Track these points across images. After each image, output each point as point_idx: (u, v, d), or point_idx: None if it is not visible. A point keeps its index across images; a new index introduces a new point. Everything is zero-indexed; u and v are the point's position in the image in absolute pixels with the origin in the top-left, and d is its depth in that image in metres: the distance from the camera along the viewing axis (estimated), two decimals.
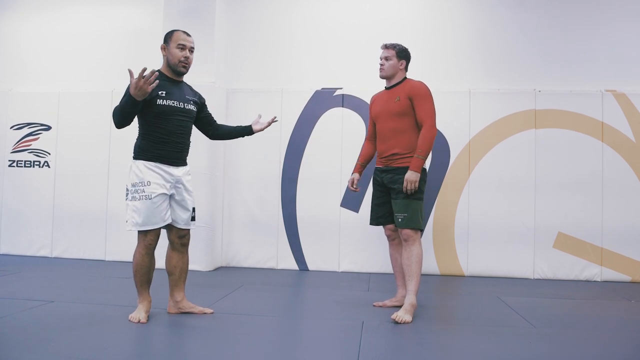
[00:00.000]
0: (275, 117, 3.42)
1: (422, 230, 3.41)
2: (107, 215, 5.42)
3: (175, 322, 3.04)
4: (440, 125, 5.06)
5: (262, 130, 3.40)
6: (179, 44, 3.06)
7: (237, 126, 3.45)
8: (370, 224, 3.64)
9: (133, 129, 5.28)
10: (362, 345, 2.64)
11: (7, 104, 5.72)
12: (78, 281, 4.30)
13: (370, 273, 5.05)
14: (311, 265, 5.16)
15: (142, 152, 3.03)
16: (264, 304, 3.62)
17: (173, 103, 3.04)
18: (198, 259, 4.92)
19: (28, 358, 2.34)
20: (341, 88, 5.29)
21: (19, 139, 5.67)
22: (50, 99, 5.62)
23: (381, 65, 3.47)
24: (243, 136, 3.44)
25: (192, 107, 3.16)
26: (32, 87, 5.77)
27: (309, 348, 2.59)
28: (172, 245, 3.18)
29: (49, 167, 5.59)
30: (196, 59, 5.04)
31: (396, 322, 3.08)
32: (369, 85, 5.32)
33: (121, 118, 2.91)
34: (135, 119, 3.05)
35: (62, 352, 2.42)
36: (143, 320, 2.95)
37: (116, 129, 3.03)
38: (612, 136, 5.00)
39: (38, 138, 5.64)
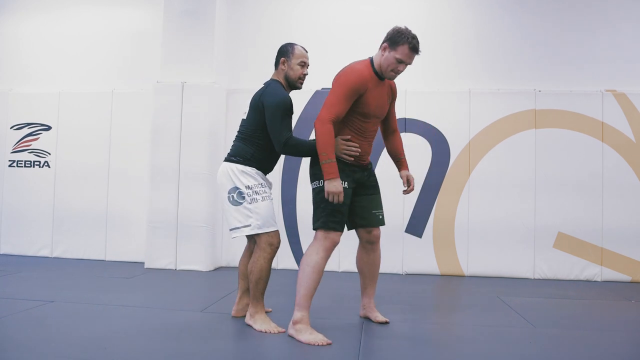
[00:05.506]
0: None
1: None
2: (107, 215, 5.42)
3: (175, 322, 3.04)
4: (440, 125, 5.11)
5: None
6: (302, 61, 3.02)
7: None
8: (349, 229, 3.05)
9: (131, 132, 5.27)
10: (362, 346, 2.64)
11: (8, 104, 5.72)
12: (78, 281, 4.30)
13: None
14: None
15: (255, 160, 2.94)
16: (264, 304, 3.62)
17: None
18: (199, 259, 4.93)
19: (28, 358, 2.34)
20: None
21: (19, 139, 5.68)
22: (51, 99, 5.62)
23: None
24: None
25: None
26: (33, 88, 5.77)
27: (309, 348, 2.58)
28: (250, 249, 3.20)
29: (49, 167, 5.59)
30: (196, 59, 5.12)
31: (386, 322, 3.09)
32: None
33: (300, 154, 2.92)
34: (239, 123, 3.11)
35: (63, 353, 2.42)
36: (281, 329, 2.83)
37: (279, 148, 2.87)
38: (612, 136, 5.00)
39: (38, 138, 5.64)
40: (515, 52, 5.28)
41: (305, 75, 3.07)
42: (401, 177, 3.13)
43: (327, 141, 2.65)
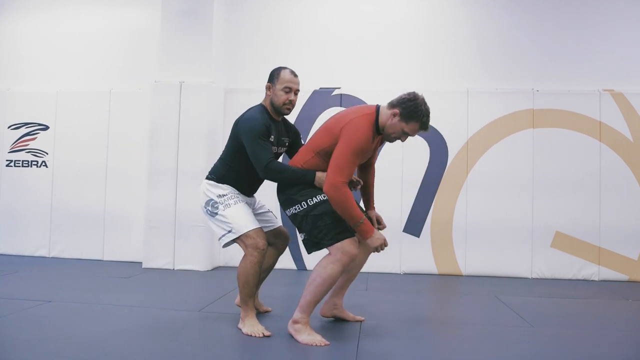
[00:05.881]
0: None
1: None
2: (105, 214, 5.41)
3: (172, 322, 3.03)
4: (439, 124, 5.11)
5: None
6: (286, 87, 2.93)
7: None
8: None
9: (129, 131, 5.25)
10: (360, 346, 2.65)
11: (5, 104, 5.71)
12: (76, 281, 4.29)
13: (368, 273, 5.04)
14: (309, 265, 5.16)
15: (227, 180, 2.95)
16: (264, 304, 3.62)
17: (274, 148, 2.93)
18: (197, 259, 4.93)
19: (26, 358, 2.33)
20: (339, 88, 5.29)
21: (16, 138, 5.66)
22: (48, 98, 5.61)
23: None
24: None
25: (282, 149, 3.06)
26: (30, 87, 5.76)
27: (307, 349, 2.58)
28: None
29: (47, 167, 5.58)
30: (194, 59, 5.12)
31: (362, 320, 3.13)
32: (367, 85, 5.34)
33: (283, 179, 2.78)
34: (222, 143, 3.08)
35: (61, 352, 2.41)
36: (267, 333, 2.77)
37: (261, 173, 2.80)
38: (609, 136, 5.01)
39: (36, 138, 5.63)
40: (514, 51, 5.29)
41: (291, 101, 2.95)
42: (370, 218, 3.03)
43: (351, 206, 2.57)
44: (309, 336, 2.66)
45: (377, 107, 2.78)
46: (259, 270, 2.86)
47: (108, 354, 2.41)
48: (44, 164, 5.60)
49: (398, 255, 5.09)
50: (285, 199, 2.78)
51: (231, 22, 5.51)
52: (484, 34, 5.33)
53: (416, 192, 5.12)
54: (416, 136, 5.10)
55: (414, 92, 2.75)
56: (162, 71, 5.15)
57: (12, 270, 4.64)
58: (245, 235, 2.83)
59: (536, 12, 5.28)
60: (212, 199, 2.91)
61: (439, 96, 5.19)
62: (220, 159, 3.03)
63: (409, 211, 5.12)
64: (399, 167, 5.09)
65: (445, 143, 5.13)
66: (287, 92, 2.94)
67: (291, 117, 5.25)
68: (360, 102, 5.20)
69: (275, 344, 2.66)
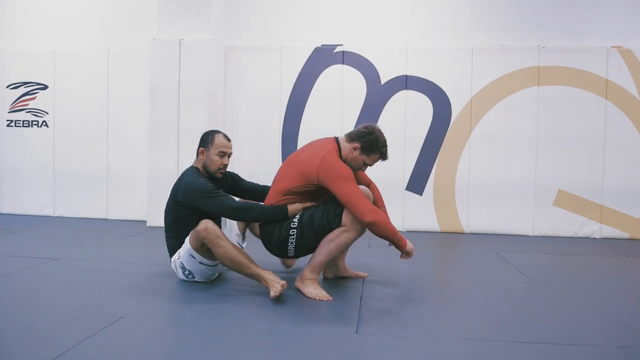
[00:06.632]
0: None
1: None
2: (108, 173, 5.42)
3: (177, 277, 3.08)
4: (442, 82, 5.06)
5: None
6: (220, 151, 2.96)
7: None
8: None
9: (129, 90, 5.16)
10: (363, 300, 2.69)
11: (4, 63, 5.62)
12: (81, 239, 4.34)
13: None
14: None
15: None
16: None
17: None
18: None
19: (34, 313, 2.38)
20: (341, 45, 5.20)
21: (15, 98, 5.61)
22: (46, 57, 5.52)
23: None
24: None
25: None
26: (27, 46, 5.66)
27: (310, 304, 2.63)
28: None
29: (47, 126, 5.55)
30: (193, 15, 5.01)
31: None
32: (369, 42, 5.25)
33: (255, 218, 2.85)
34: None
35: (68, 306, 2.46)
36: (284, 284, 2.65)
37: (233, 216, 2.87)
38: (616, 93, 4.94)
39: (35, 97, 5.57)
40: (519, 7, 5.15)
41: (225, 165, 2.99)
42: None
43: (390, 225, 2.74)
44: (315, 290, 2.73)
45: (336, 139, 2.86)
46: (233, 247, 2.74)
47: (115, 307, 2.45)
48: (44, 123, 5.57)
49: (401, 213, 5.11)
50: (277, 249, 2.84)
51: None
52: None
53: (419, 150, 5.10)
54: (419, 94, 5.10)
55: (371, 125, 2.86)
56: (160, 29, 5.04)
57: (18, 230, 4.69)
58: (198, 236, 2.75)
59: None
60: (178, 264, 2.93)
61: (442, 53, 5.11)
62: (166, 238, 3.02)
63: (412, 169, 5.12)
64: (402, 125, 5.05)
65: (449, 101, 5.08)
66: (221, 157, 2.97)
67: (293, 75, 5.21)
68: (363, 59, 5.13)
69: (280, 298, 2.70)
